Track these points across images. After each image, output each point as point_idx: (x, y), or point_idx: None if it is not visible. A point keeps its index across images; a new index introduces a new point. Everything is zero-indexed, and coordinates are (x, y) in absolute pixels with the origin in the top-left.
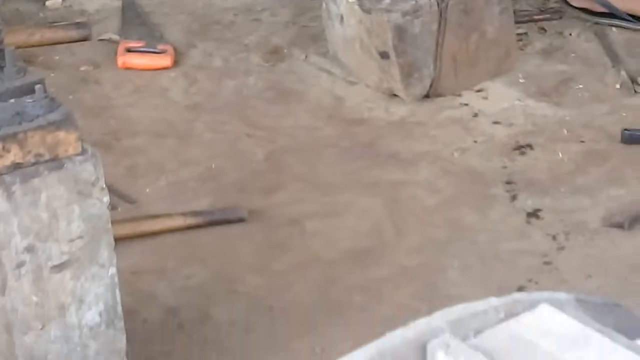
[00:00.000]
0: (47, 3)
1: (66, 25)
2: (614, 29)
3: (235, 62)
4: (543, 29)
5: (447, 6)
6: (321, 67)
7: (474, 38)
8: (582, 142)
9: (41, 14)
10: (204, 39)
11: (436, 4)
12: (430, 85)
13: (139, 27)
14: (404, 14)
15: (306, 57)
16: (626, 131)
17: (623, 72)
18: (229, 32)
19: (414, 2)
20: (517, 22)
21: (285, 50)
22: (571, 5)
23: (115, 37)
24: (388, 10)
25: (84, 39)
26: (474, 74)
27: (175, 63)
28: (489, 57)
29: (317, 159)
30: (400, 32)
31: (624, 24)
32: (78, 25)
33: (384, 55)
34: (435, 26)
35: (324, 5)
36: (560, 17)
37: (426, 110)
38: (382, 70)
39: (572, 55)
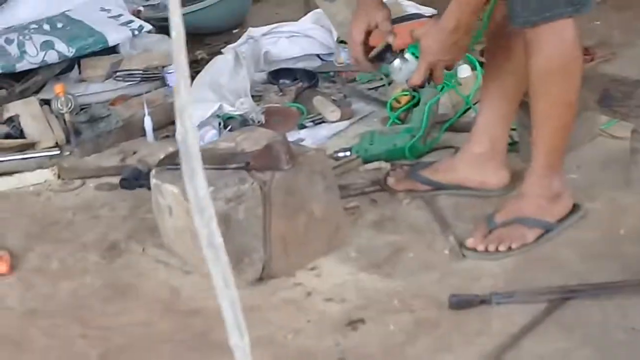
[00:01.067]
0: None
1: None
2: (442, 194)
3: (72, 263)
4: (374, 200)
5: (270, 189)
6: (158, 259)
7: (301, 218)
8: (413, 311)
9: None
10: (43, 242)
11: (259, 187)
12: (263, 269)
13: None
14: (227, 200)
15: (143, 249)
16: (453, 297)
17: (451, 238)
18: (68, 232)
19: (236, 189)
20: (348, 196)
21: (122, 245)
22: (393, 189)
23: None
24: (211, 199)
25: None
26: (306, 253)
27: (12, 269)
28: (319, 235)
29: (152, 356)
30: (225, 219)
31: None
32: None
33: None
34: (260, 210)
35: (153, 198)
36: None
37: (260, 294)
38: (213, 259)
39: (403, 224)
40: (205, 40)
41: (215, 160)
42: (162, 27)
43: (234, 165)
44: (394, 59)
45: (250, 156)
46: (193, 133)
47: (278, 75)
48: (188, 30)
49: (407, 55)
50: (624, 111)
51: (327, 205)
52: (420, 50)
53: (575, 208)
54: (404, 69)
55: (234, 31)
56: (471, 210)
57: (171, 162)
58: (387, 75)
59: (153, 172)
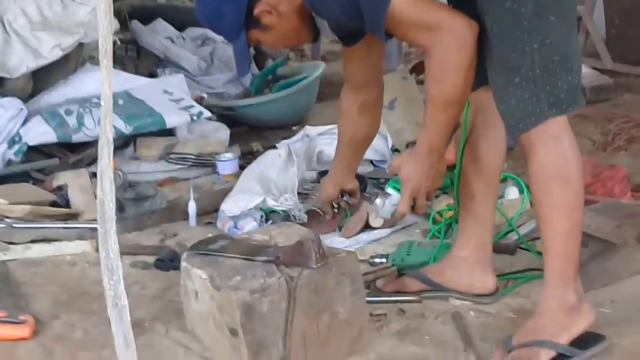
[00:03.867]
0: None
1: None
2: (471, 312)
3: (95, 335)
4: (402, 310)
5: (296, 285)
6: (179, 342)
7: (325, 318)
8: None
9: None
10: (70, 311)
11: (285, 283)
12: None
13: (6, 297)
14: (252, 291)
15: (167, 331)
16: None
17: (472, 357)
18: (96, 304)
19: (262, 281)
20: (376, 302)
21: (147, 324)
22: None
23: None
24: (236, 288)
25: None
26: (325, 353)
27: (35, 334)
28: (341, 338)
29: None
30: (248, 310)
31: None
32: None
33: (233, 332)
34: (284, 305)
35: (182, 281)
36: (420, 301)
37: None
38: (233, 347)
39: (427, 337)
40: (264, 133)
41: (246, 250)
42: (222, 115)
43: (263, 258)
44: (375, 197)
45: (281, 251)
46: (110, 197)
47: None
48: (249, 122)
49: (389, 190)
50: None
51: (353, 308)
52: (401, 179)
53: (600, 337)
54: (387, 204)
55: (294, 127)
56: (497, 331)
57: (205, 247)
58: None
59: (184, 255)
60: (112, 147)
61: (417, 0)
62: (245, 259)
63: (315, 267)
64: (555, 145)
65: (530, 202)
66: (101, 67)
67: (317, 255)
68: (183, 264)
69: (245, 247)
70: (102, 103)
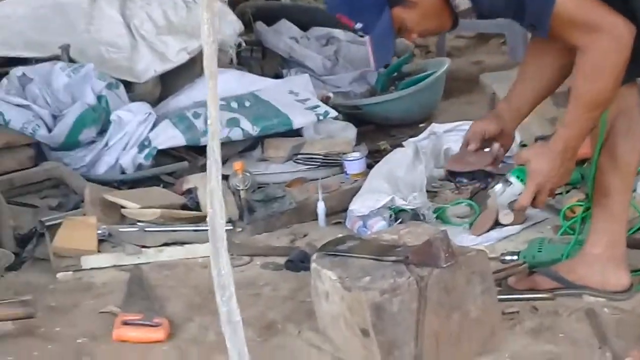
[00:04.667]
0: (58, 275)
1: (10, 303)
2: (605, 309)
3: None
4: (535, 308)
5: (426, 285)
6: (312, 343)
7: (456, 317)
8: None
9: (51, 286)
10: (203, 313)
11: (415, 282)
12: None
13: (140, 300)
14: (382, 292)
15: (299, 332)
16: None
17: (608, 354)
18: None
19: (392, 281)
20: (508, 300)
21: (279, 326)
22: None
23: (116, 309)
24: (366, 289)
25: (29, 317)
26: (458, 353)
27: (170, 336)
28: (473, 336)
29: None
30: (378, 310)
31: None
32: (22, 302)
33: (364, 332)
34: (415, 305)
35: (312, 282)
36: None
37: None
38: (364, 348)
39: (561, 335)
40: (391, 132)
41: (376, 250)
42: (348, 114)
43: (392, 258)
44: (496, 183)
45: (410, 250)
46: (220, 215)
47: (456, 172)
48: (375, 120)
49: (512, 179)
50: None
51: (484, 307)
52: (529, 172)
53: None
54: (507, 192)
55: (421, 125)
56: (633, 328)
57: (333, 248)
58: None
59: (314, 256)
60: (220, 166)
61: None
62: (374, 259)
63: (444, 266)
64: None
65: None
66: (206, 83)
67: (446, 254)
68: (313, 265)
69: (374, 247)
70: (208, 123)
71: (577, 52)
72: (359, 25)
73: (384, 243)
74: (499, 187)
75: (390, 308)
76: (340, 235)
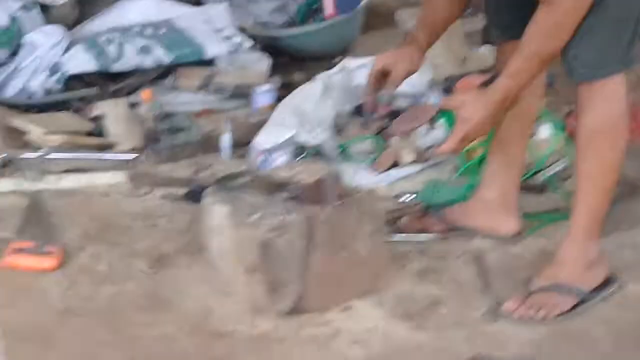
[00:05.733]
0: None
1: None
2: (494, 253)
3: (119, 268)
4: (424, 250)
5: (315, 224)
6: (202, 277)
7: (343, 257)
8: None
9: None
10: (97, 242)
11: (303, 221)
12: (296, 302)
13: (35, 227)
14: (270, 229)
15: (190, 265)
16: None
17: (489, 297)
18: (124, 237)
19: (281, 218)
20: (399, 242)
21: (171, 258)
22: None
23: (8, 236)
24: (254, 226)
25: None
26: (342, 292)
27: (61, 265)
28: (359, 276)
29: None
30: (265, 247)
31: None
32: None
33: (250, 269)
34: (302, 243)
35: (204, 216)
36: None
37: (288, 327)
38: (250, 284)
39: (447, 277)
40: (307, 65)
41: (269, 187)
42: (265, 45)
43: (284, 195)
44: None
45: (301, 189)
46: None
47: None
48: (292, 52)
49: (438, 123)
50: None
51: (372, 247)
52: (460, 118)
53: (610, 280)
54: (431, 135)
55: (336, 59)
56: (519, 272)
57: (229, 182)
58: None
59: (207, 191)
60: None
61: None
62: (265, 196)
63: (333, 205)
64: (615, 100)
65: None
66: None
67: (336, 194)
68: (205, 199)
69: (268, 184)
70: None
71: (540, 7)
72: None
73: (279, 180)
74: (422, 128)
75: (277, 246)
76: (244, 168)
